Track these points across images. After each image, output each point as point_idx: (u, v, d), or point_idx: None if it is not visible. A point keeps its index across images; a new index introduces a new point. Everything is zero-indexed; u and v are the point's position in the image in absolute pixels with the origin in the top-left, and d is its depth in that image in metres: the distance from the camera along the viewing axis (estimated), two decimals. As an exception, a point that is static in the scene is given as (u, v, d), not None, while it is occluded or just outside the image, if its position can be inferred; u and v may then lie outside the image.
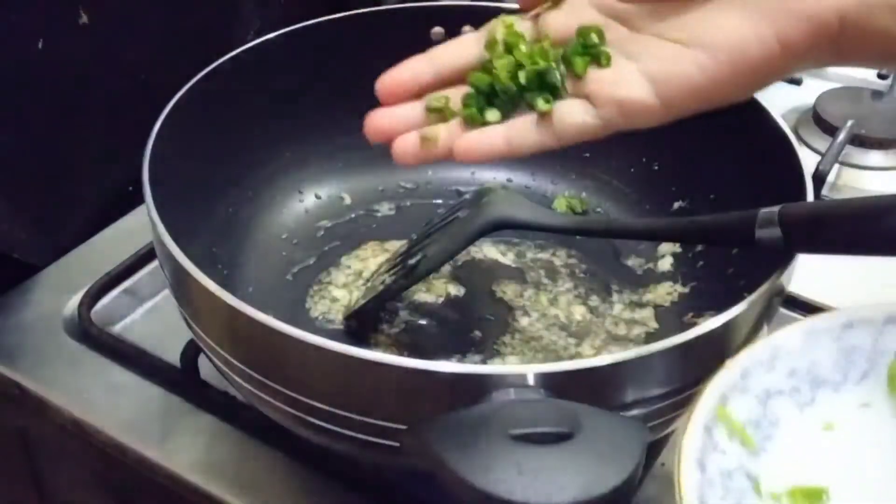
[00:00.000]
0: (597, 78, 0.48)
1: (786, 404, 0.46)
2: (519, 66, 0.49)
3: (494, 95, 0.50)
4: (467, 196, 0.65)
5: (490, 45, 0.51)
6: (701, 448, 0.42)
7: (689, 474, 0.41)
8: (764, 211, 0.50)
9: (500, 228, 0.61)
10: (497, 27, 0.51)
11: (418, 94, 0.51)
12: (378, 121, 0.50)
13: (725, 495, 0.42)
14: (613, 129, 0.48)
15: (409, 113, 0.51)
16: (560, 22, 0.51)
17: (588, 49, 0.49)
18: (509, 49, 0.50)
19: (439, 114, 0.50)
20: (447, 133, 0.50)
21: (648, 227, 0.64)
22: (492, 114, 0.50)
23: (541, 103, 0.48)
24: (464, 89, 0.51)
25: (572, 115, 0.48)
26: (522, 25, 0.51)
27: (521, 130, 0.49)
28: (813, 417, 0.46)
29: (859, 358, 0.48)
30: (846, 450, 0.45)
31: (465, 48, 0.52)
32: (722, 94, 0.47)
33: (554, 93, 0.49)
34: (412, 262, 0.60)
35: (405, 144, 0.50)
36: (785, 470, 0.44)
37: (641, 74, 0.47)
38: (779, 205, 0.50)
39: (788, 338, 0.47)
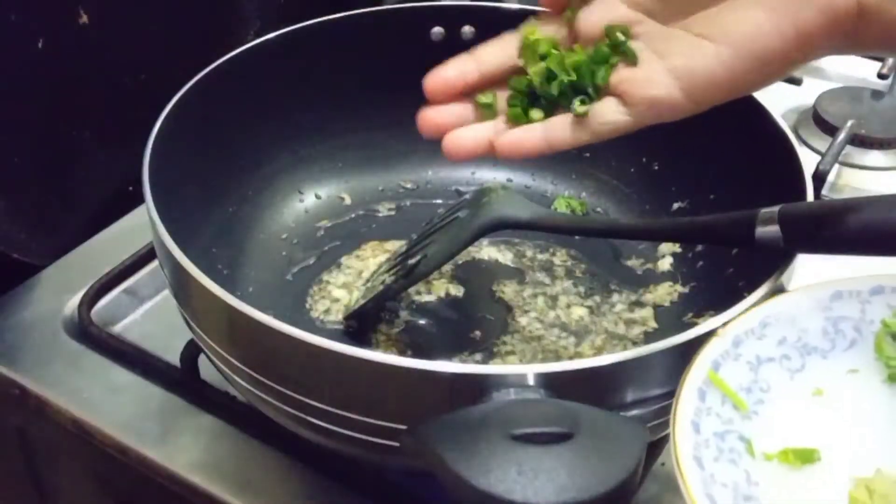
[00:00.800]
0: (628, 78, 0.50)
1: (776, 371, 0.47)
2: (552, 74, 0.51)
3: (535, 97, 0.52)
4: (467, 196, 0.65)
5: (523, 52, 0.53)
6: (695, 411, 0.43)
7: (685, 435, 0.42)
8: (764, 211, 0.50)
9: (500, 228, 0.61)
10: (528, 34, 0.53)
11: (464, 92, 0.53)
12: (431, 117, 0.53)
13: (719, 456, 0.43)
14: (644, 123, 0.50)
15: (460, 110, 0.53)
16: (593, 20, 0.52)
17: (616, 48, 0.50)
18: (543, 56, 0.52)
19: (488, 109, 0.52)
20: (494, 130, 0.52)
21: (648, 227, 0.64)
22: (535, 113, 0.52)
23: (577, 105, 0.50)
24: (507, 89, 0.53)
25: (606, 114, 0.50)
26: (553, 27, 0.53)
27: (558, 130, 0.51)
28: (803, 383, 0.48)
29: (847, 327, 0.49)
30: (836, 413, 0.47)
31: (506, 47, 0.53)
32: (744, 85, 0.48)
33: (589, 96, 0.51)
34: (412, 262, 0.60)
35: (456, 140, 0.52)
36: (777, 432, 0.45)
37: (669, 73, 0.48)
38: (779, 205, 0.50)
39: (778, 308, 0.49)
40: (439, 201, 0.75)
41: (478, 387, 0.44)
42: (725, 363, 0.46)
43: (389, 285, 0.61)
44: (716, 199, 0.67)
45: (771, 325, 0.48)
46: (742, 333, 0.47)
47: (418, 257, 0.60)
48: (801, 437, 0.45)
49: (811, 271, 0.60)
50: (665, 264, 0.69)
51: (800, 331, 0.48)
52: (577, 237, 0.70)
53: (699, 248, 0.68)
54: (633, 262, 0.70)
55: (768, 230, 0.49)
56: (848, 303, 0.49)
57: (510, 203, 0.61)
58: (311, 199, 0.74)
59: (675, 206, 0.70)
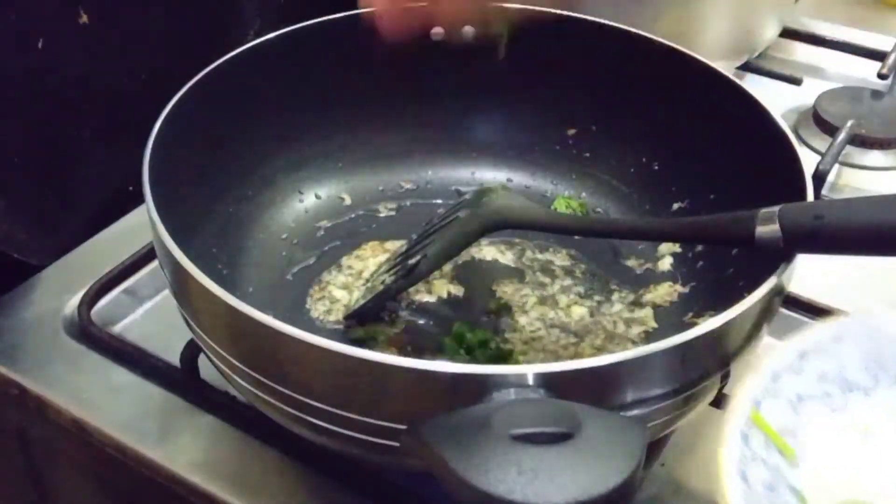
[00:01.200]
0: None
1: (818, 409, 0.45)
2: None
3: None
4: (467, 196, 0.65)
5: None
6: (740, 458, 0.41)
7: (733, 485, 0.40)
8: (764, 211, 0.50)
9: (500, 228, 0.61)
10: None
11: None
12: None
13: None
14: None
15: None
16: None
17: None
18: None
19: None
20: None
21: (648, 227, 0.64)
22: None
23: None
24: None
25: None
26: None
27: None
28: (848, 424, 0.45)
29: (890, 362, 0.46)
30: (887, 457, 0.44)
31: None
32: None
33: None
34: (412, 262, 0.60)
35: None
36: (828, 482, 0.43)
37: None
38: (779, 205, 0.50)
39: (815, 341, 0.46)
40: (439, 201, 0.75)
41: (478, 387, 0.44)
42: (765, 400, 0.43)
43: (389, 285, 0.61)
44: (716, 199, 0.67)
45: (809, 358, 0.45)
46: (780, 368, 0.44)
47: (418, 257, 0.60)
48: (855, 488, 0.42)
49: (811, 271, 0.60)
50: (665, 264, 0.69)
51: (839, 366, 0.46)
52: (577, 237, 0.70)
53: (699, 248, 0.68)
54: (632, 262, 0.70)
55: (768, 230, 0.49)
56: (888, 335, 0.46)
57: (510, 203, 0.61)
58: (311, 199, 0.74)
59: (676, 206, 0.70)
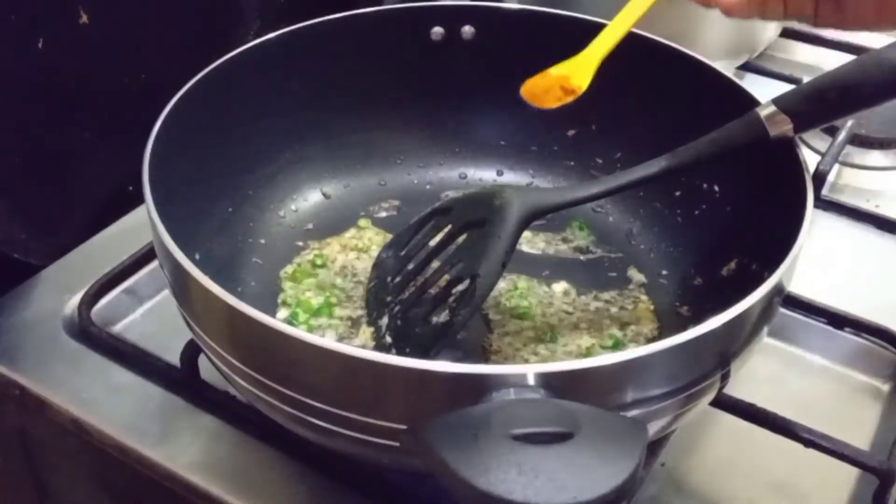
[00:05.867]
0: None
1: None
2: None
3: None
4: (440, 205, 0.64)
5: None
6: None
7: None
8: (762, 110, 0.57)
9: (536, 218, 0.60)
10: None
11: None
12: None
13: None
14: None
15: None
16: None
17: None
18: None
19: None
20: None
21: (667, 167, 0.61)
22: None
23: None
24: None
25: None
26: None
27: None
28: None
29: None
30: None
31: None
32: None
33: None
34: (462, 287, 0.58)
35: None
36: None
37: None
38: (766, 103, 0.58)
39: None
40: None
41: (478, 387, 0.44)
42: None
43: (452, 321, 0.58)
44: (718, 197, 0.67)
45: None
46: None
47: (467, 281, 0.57)
48: None
49: (811, 271, 0.60)
50: (664, 265, 0.69)
51: None
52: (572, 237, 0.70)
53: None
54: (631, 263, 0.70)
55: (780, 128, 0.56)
56: None
57: (527, 195, 0.60)
58: (310, 199, 0.74)
59: (678, 210, 0.70)
